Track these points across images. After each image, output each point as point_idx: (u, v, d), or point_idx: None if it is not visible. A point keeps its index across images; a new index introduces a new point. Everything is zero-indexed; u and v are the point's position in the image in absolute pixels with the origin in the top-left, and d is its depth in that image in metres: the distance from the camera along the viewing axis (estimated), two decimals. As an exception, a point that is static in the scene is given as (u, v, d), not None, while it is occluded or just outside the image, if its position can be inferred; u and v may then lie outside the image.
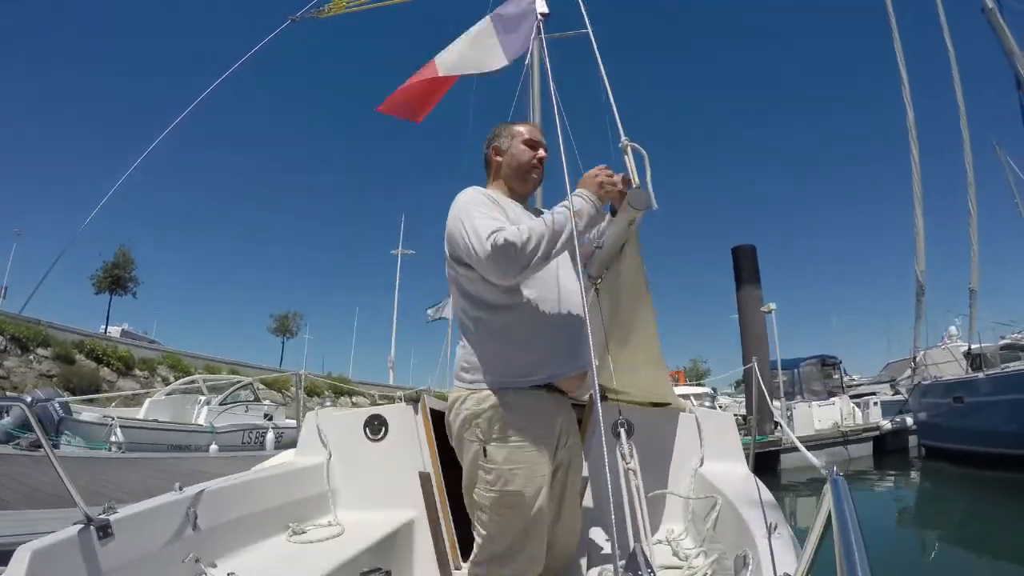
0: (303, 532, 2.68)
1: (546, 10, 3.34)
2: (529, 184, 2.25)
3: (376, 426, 3.18)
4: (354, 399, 34.00)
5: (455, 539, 2.92)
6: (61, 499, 4.89)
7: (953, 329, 20.50)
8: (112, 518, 1.85)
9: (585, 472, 2.78)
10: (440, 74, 4.59)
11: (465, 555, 2.97)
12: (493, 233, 1.80)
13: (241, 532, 2.47)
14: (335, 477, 3.13)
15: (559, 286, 2.07)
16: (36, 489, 5.96)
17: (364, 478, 3.12)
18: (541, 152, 2.24)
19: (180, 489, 2.26)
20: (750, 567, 1.64)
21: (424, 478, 2.99)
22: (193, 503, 2.23)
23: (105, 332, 30.47)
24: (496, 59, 4.32)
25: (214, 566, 2.19)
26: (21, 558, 1.55)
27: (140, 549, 1.94)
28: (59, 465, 1.88)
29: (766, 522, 1.78)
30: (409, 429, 3.11)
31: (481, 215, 1.90)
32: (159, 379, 23.42)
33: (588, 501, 2.76)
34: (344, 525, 2.81)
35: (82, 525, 1.77)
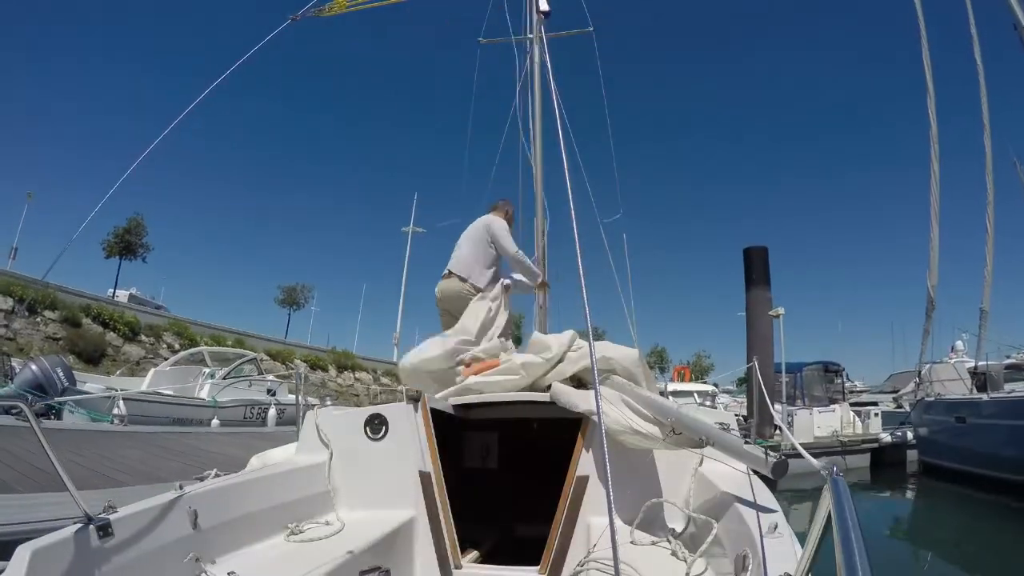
0: (303, 531, 2.69)
1: (546, 8, 3.28)
2: None
3: (376, 425, 3.19)
4: (357, 374, 34.27)
5: (455, 538, 2.93)
6: (60, 483, 4.88)
7: (960, 344, 20.34)
8: (112, 517, 1.87)
9: (585, 472, 2.84)
10: None
11: (465, 554, 2.99)
12: None
13: (241, 531, 2.48)
14: (335, 476, 3.14)
15: None
16: (36, 467, 5.99)
17: (364, 477, 3.13)
18: None
19: (180, 488, 2.27)
20: (750, 567, 1.64)
21: (424, 477, 3.01)
22: (193, 502, 2.24)
23: (113, 296, 30.70)
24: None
25: (214, 564, 2.20)
26: (21, 557, 1.56)
27: (140, 548, 1.96)
28: (61, 467, 1.87)
29: (766, 522, 1.78)
30: (410, 428, 3.12)
31: None
32: (164, 346, 23.64)
33: (587, 500, 2.79)
34: (344, 524, 2.82)
35: (82, 524, 1.78)
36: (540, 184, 5.88)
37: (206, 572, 2.12)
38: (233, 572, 2.13)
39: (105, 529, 1.82)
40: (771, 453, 2.05)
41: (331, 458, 3.16)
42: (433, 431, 3.09)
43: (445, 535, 2.90)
